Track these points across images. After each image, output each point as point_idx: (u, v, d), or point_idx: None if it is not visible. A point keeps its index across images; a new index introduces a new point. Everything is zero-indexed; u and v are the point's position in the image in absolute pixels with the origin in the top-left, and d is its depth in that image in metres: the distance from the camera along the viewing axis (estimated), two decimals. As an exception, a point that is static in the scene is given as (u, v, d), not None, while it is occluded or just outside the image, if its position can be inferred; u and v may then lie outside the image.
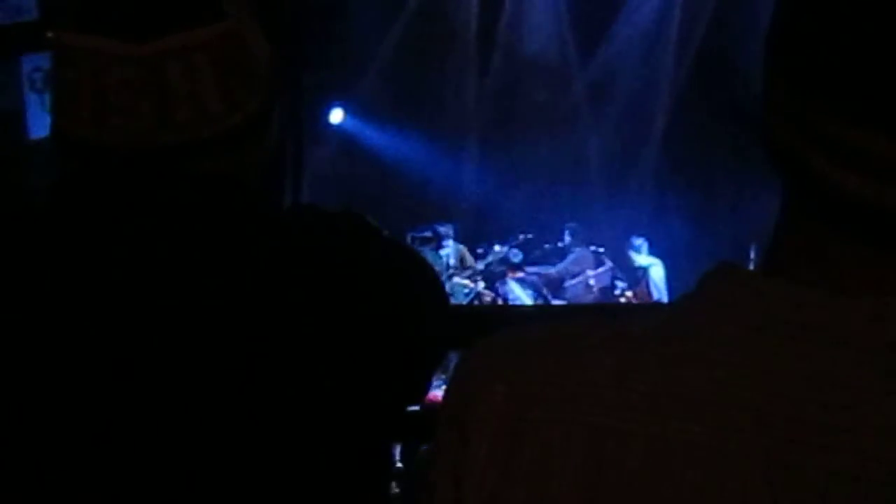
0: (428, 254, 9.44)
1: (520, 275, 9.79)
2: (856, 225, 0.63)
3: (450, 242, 10.14)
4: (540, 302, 9.56)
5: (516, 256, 9.91)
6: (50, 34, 1.13)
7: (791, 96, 0.64)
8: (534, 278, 9.88)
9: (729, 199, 10.37)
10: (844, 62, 0.61)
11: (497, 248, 10.16)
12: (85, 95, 1.06)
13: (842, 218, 0.64)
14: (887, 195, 0.61)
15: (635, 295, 9.53)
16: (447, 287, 8.86)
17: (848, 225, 0.64)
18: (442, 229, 10.13)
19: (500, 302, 9.64)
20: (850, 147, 0.61)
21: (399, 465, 5.20)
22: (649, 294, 9.52)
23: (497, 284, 9.87)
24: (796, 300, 0.64)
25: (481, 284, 9.92)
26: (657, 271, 9.66)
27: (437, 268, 8.96)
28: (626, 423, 0.64)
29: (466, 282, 9.80)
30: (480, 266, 10.08)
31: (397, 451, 4.97)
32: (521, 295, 9.67)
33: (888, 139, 0.60)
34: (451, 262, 10.05)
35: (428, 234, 10.12)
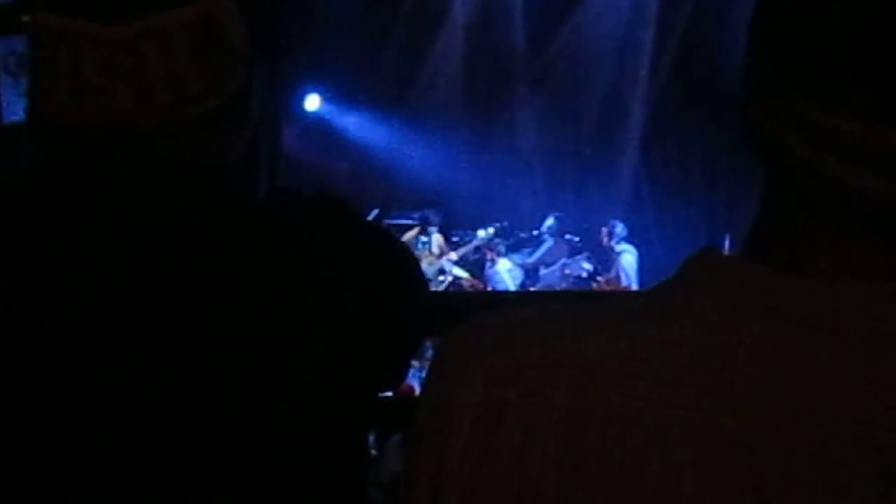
0: (409, 240, 9.46)
1: (509, 265, 9.80)
2: (840, 212, 0.64)
3: (433, 229, 10.15)
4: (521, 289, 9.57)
5: (500, 245, 9.93)
6: (26, 17, 1.12)
7: (773, 84, 0.65)
8: (518, 268, 9.90)
9: (703, 190, 10.41)
10: (827, 49, 0.61)
11: (481, 232, 10.15)
12: (62, 77, 1.05)
13: (825, 205, 0.64)
14: (872, 183, 0.61)
15: (607, 282, 9.56)
16: (426, 273, 8.84)
17: (831, 212, 0.64)
18: (428, 214, 10.14)
19: (486, 287, 9.64)
20: (833, 134, 0.62)
21: (373, 452, 5.20)
22: (619, 280, 9.55)
23: (486, 269, 9.87)
24: (777, 286, 0.65)
25: (455, 272, 9.92)
26: (628, 258, 9.69)
27: (416, 254, 8.98)
28: (606, 406, 0.65)
29: (441, 275, 9.80)
30: (454, 255, 10.07)
31: (371, 439, 4.98)
32: (508, 281, 9.68)
33: (871, 126, 0.60)
34: (434, 249, 10.06)
35: (405, 221, 10.12)
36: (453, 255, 10.02)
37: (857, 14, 0.60)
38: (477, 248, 10.14)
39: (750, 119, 0.68)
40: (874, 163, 0.61)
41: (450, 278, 9.84)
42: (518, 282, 9.77)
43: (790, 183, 0.66)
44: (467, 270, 9.95)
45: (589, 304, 0.75)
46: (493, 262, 9.88)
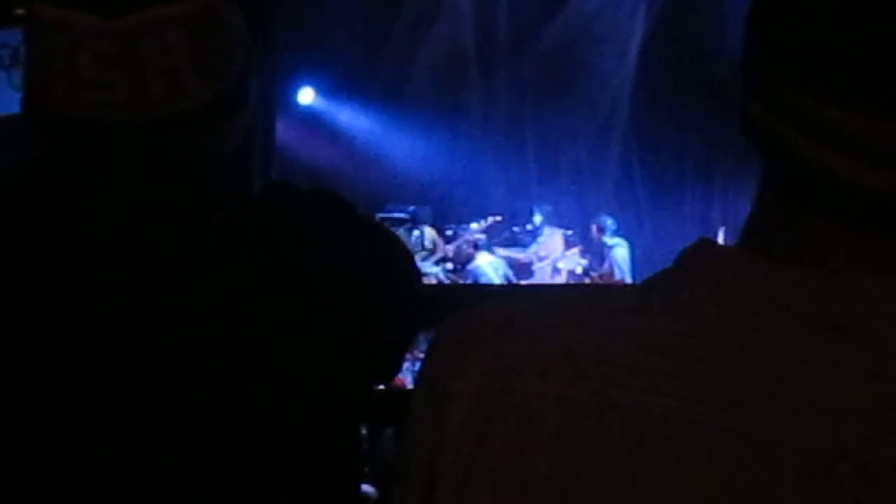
0: (402, 234, 9.45)
1: (490, 258, 9.80)
2: (839, 205, 0.64)
3: (425, 226, 10.14)
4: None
5: (480, 241, 9.95)
6: (20, 10, 1.12)
7: (772, 77, 0.65)
8: (501, 261, 9.90)
9: (698, 182, 10.42)
10: (826, 41, 0.62)
11: (474, 225, 10.14)
12: (58, 70, 1.05)
13: (825, 198, 0.64)
14: (872, 177, 0.62)
15: (600, 277, 9.56)
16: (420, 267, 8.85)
17: (830, 205, 0.65)
18: (419, 212, 10.14)
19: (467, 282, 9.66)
20: (833, 128, 0.62)
21: (365, 446, 5.20)
22: (612, 274, 9.55)
23: (467, 266, 9.88)
24: (777, 277, 0.65)
25: (448, 265, 9.92)
26: (621, 251, 9.70)
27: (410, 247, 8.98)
28: (601, 395, 0.65)
29: (435, 269, 9.80)
30: (451, 248, 10.08)
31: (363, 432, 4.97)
32: (491, 276, 9.68)
33: (871, 119, 0.61)
34: (426, 244, 10.06)
35: (398, 215, 10.12)
36: (438, 257, 10.04)
37: (857, 6, 0.61)
38: (459, 245, 10.14)
39: (749, 113, 0.68)
40: (874, 156, 0.61)
41: (442, 271, 9.86)
42: (501, 274, 9.76)
43: (789, 176, 0.66)
44: (456, 265, 9.96)
45: (586, 294, 0.75)
46: (474, 256, 9.88)
